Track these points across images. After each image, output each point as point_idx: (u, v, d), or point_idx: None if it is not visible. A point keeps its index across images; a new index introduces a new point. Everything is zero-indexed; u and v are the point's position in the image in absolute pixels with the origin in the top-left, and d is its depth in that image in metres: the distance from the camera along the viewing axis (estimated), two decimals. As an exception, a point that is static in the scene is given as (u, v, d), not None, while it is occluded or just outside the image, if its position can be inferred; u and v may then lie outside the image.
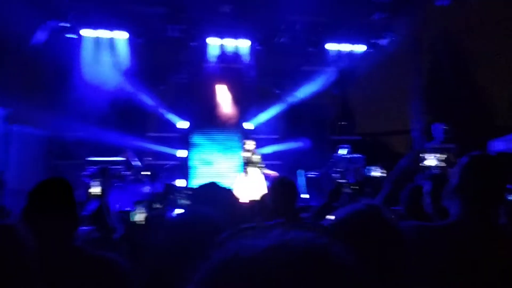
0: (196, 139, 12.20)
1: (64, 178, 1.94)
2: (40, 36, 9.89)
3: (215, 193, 2.08)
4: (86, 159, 8.80)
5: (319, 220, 2.42)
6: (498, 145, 9.70)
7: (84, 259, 1.75)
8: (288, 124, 12.56)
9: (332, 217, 1.31)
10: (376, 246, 1.16)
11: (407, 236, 1.21)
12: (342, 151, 10.15)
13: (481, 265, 1.52)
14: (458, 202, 1.66)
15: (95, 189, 4.24)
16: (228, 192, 2.14)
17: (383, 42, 11.42)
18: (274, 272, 0.60)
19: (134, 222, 4.91)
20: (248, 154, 9.62)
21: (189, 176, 11.76)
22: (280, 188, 3.04)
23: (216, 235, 1.37)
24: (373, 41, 11.45)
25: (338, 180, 9.73)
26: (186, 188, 8.27)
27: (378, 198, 2.10)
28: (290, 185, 3.07)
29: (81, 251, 1.80)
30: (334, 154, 10.29)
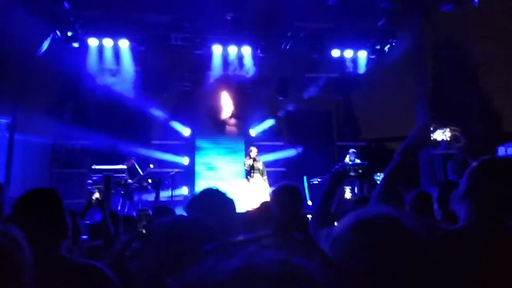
0: (200, 145, 12.20)
1: (52, 188, 1.94)
2: (45, 45, 9.96)
3: (214, 200, 2.03)
4: (90, 167, 8.79)
5: (323, 215, 2.33)
6: (507, 150, 9.58)
7: (68, 268, 1.75)
8: (292, 131, 12.53)
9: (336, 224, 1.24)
10: (396, 257, 1.08)
11: (421, 235, 1.14)
12: (350, 157, 10.06)
13: (490, 271, 1.47)
14: (468, 206, 1.61)
15: (98, 197, 4.21)
16: (227, 200, 2.08)
17: (387, 48, 11.39)
18: None
19: (140, 230, 4.88)
20: (251, 161, 9.60)
21: (194, 183, 11.76)
22: (285, 194, 2.95)
23: (207, 242, 1.32)
24: (377, 47, 11.41)
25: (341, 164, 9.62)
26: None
27: (385, 170, 2.04)
28: (295, 191, 2.98)
29: (66, 260, 1.79)
30: (343, 162, 10.18)
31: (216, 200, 2.01)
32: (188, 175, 11.75)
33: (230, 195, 2.09)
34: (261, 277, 0.62)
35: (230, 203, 2.07)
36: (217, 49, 11.16)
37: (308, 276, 0.65)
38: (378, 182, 2.09)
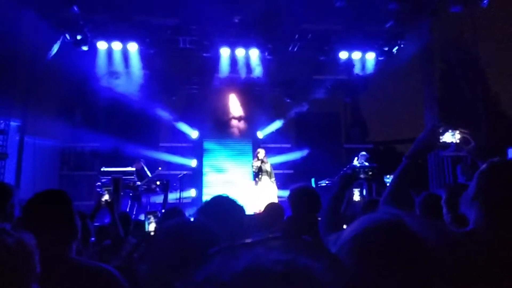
0: (208, 147, 12.23)
1: (62, 190, 1.93)
2: (54, 49, 10.03)
3: (224, 208, 2.01)
4: (99, 169, 8.83)
5: (332, 218, 2.31)
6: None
7: (78, 270, 1.74)
8: (300, 133, 12.51)
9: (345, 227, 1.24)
10: (401, 263, 1.08)
11: (429, 238, 1.13)
12: (359, 159, 9.98)
13: (501, 275, 1.45)
14: (477, 209, 1.60)
15: (107, 199, 4.23)
16: (237, 207, 2.06)
17: (395, 49, 11.32)
18: None
19: (149, 232, 4.89)
20: (259, 163, 9.59)
21: (201, 185, 11.78)
22: (302, 197, 2.90)
23: (211, 245, 1.34)
24: (385, 49, 11.35)
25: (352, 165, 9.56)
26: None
27: (394, 173, 2.03)
28: (313, 194, 2.93)
29: (76, 262, 1.79)
30: (352, 164, 10.11)
31: (226, 208, 2.00)
32: (196, 177, 11.78)
33: (240, 202, 2.08)
34: (267, 277, 0.62)
35: (240, 210, 2.06)
36: (224, 52, 11.18)
37: (313, 276, 0.65)
38: (387, 184, 2.09)
